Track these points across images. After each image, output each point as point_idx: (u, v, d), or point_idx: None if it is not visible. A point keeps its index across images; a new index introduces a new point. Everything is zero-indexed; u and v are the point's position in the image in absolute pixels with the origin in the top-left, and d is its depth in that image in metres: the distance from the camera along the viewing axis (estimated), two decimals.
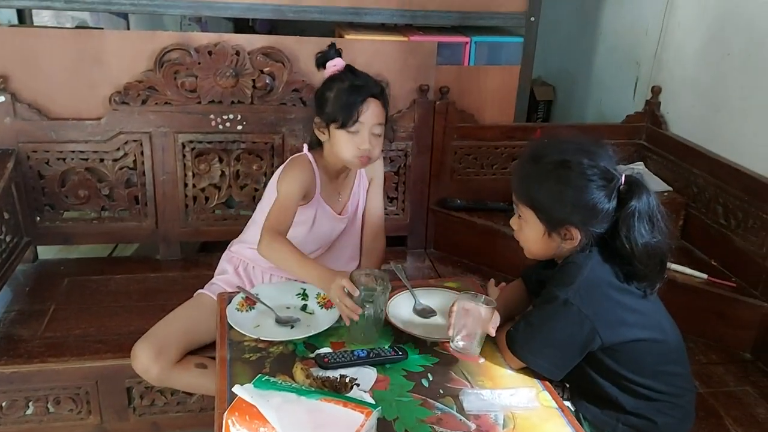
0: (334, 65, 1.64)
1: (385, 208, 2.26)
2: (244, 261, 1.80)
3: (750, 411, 1.65)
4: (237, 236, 1.88)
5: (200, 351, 1.68)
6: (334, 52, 1.66)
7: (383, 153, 2.12)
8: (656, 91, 2.42)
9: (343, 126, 1.58)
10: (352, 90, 1.59)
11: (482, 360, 1.31)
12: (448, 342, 1.33)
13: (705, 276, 1.96)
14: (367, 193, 1.82)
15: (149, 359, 1.58)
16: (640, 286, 1.26)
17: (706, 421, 1.59)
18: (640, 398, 1.27)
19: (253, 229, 1.74)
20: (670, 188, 2.26)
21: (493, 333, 1.29)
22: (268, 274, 1.77)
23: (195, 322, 1.67)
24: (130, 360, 1.61)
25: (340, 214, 1.76)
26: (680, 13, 2.38)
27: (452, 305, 1.31)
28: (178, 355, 1.63)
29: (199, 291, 1.76)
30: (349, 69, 1.65)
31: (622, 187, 1.21)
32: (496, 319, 1.31)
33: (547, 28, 2.49)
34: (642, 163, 2.41)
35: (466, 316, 1.28)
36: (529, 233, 1.30)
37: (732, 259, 2.01)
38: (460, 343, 1.29)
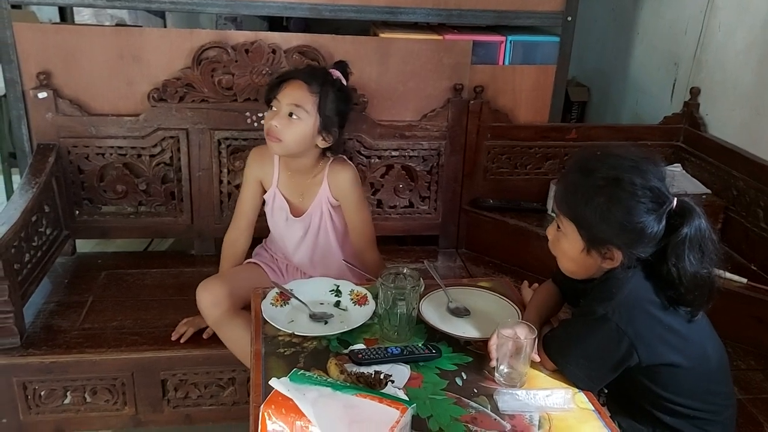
0: None
1: (417, 207, 2.28)
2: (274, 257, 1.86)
3: None
4: (270, 232, 1.90)
5: None
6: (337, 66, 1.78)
7: (412, 150, 2.18)
8: (695, 92, 2.38)
9: (268, 105, 1.67)
10: (284, 71, 1.73)
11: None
12: (481, 342, 1.31)
13: (745, 280, 1.92)
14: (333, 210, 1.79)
15: (222, 294, 1.63)
16: (685, 310, 1.21)
17: (746, 428, 1.55)
18: (678, 416, 1.24)
19: None
20: (709, 191, 2.21)
21: (538, 359, 1.25)
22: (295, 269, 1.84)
23: (254, 279, 1.70)
24: (165, 352, 1.65)
25: (296, 217, 1.77)
26: (721, 14, 2.33)
27: (491, 336, 1.26)
28: (241, 303, 1.66)
29: (247, 261, 1.82)
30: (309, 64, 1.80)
31: (672, 210, 1.16)
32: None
33: (582, 27, 2.46)
34: (679, 165, 2.36)
35: (507, 346, 1.21)
36: (567, 247, 1.25)
37: None
38: (505, 371, 1.23)
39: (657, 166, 1.19)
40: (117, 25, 3.08)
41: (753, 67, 2.15)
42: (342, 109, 1.71)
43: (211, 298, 1.63)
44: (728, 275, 1.91)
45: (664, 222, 1.15)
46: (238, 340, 1.66)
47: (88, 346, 1.71)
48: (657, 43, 2.72)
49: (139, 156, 2.09)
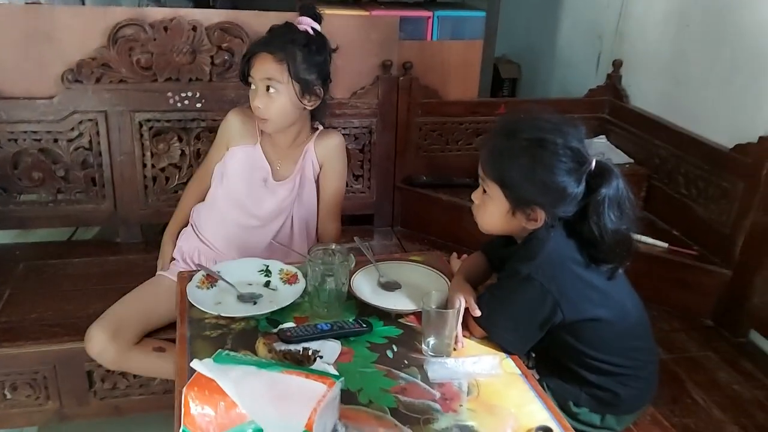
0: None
1: (351, 186, 2.26)
2: (189, 251, 1.77)
3: (711, 375, 1.69)
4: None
5: (158, 334, 1.65)
6: (306, 11, 1.67)
7: (343, 129, 2.14)
8: (617, 64, 2.43)
9: (246, 84, 1.63)
10: (250, 45, 1.64)
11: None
12: (413, 315, 1.32)
13: (666, 245, 1.98)
14: (318, 177, 1.77)
15: (105, 341, 1.55)
16: (605, 268, 1.24)
17: (669, 386, 1.61)
18: (603, 373, 1.28)
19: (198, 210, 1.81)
20: (632, 160, 2.28)
21: (477, 313, 1.25)
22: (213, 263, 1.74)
23: (153, 303, 1.63)
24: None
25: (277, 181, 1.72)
26: None
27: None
28: (136, 336, 1.60)
29: (159, 273, 1.74)
30: (271, 26, 1.66)
31: (592, 171, 1.19)
32: (470, 301, 1.26)
33: (511, 4, 2.48)
34: (604, 136, 2.42)
35: (432, 318, 1.21)
36: (493, 209, 1.27)
37: (694, 227, 2.04)
38: (432, 343, 1.22)
39: (577, 129, 1.22)
40: (29, 3, 2.91)
41: (671, 37, 2.22)
42: (318, 63, 1.64)
43: (96, 348, 1.56)
44: (650, 240, 1.98)
45: (584, 182, 1.19)
46: (145, 371, 1.66)
47: (6, 340, 1.63)
48: (582, 17, 2.78)
49: (56, 141, 1.99)
